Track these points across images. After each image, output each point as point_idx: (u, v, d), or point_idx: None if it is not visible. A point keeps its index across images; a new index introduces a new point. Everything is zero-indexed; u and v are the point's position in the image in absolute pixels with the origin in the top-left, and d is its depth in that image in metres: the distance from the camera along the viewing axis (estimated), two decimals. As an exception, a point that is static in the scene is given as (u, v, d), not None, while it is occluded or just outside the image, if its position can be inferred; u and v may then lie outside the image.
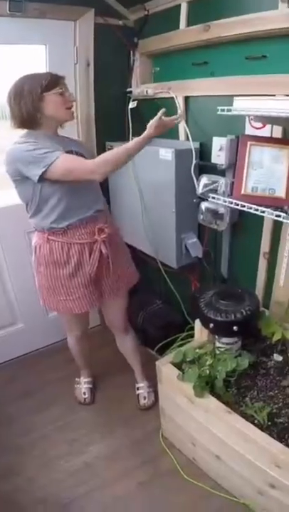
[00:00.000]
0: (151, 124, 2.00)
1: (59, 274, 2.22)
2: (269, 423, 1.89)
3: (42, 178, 1.95)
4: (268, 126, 2.14)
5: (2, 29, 2.45)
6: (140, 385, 2.82)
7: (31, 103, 1.95)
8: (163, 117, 2.02)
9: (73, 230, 2.16)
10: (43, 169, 1.91)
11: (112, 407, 2.79)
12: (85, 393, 2.86)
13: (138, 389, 2.83)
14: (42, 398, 2.86)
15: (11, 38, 2.51)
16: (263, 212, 1.93)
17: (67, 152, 2.05)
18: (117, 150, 1.99)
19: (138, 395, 2.81)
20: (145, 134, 2.00)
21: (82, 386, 2.89)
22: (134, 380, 2.84)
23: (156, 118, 2.00)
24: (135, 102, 2.79)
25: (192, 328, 2.58)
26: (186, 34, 2.48)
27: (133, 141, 2.00)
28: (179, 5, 2.51)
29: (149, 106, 2.88)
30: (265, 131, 2.15)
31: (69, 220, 2.13)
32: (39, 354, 3.34)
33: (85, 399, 2.84)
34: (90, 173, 1.97)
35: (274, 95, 1.93)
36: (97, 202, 2.25)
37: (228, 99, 1.97)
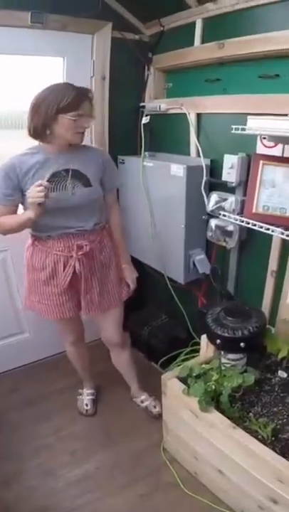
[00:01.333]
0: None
1: (36, 278, 2.30)
2: (273, 438, 1.90)
3: None
4: (280, 146, 2.16)
5: (22, 40, 2.48)
6: (142, 397, 2.83)
7: (43, 120, 1.96)
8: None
9: (53, 241, 2.20)
10: None
11: (114, 419, 2.78)
12: (87, 405, 2.86)
13: (142, 402, 2.83)
14: (45, 407, 2.86)
15: (31, 49, 2.55)
16: (274, 231, 1.95)
17: (64, 170, 2.08)
18: (11, 226, 2.11)
19: (146, 406, 2.81)
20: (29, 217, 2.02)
21: (85, 397, 2.89)
22: (133, 395, 2.87)
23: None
24: (148, 117, 2.82)
25: (196, 344, 2.60)
26: (200, 51, 2.52)
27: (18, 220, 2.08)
28: (194, 22, 2.54)
29: (162, 121, 2.93)
30: (277, 151, 2.17)
31: (49, 232, 2.19)
32: (44, 363, 3.34)
33: (86, 410, 2.85)
34: None
35: (286, 115, 1.95)
36: (86, 221, 2.23)
37: (240, 117, 2.00)
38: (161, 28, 2.80)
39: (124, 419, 2.77)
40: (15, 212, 2.15)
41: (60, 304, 2.33)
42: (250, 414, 2.05)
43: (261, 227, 2.01)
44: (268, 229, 1.97)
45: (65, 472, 2.40)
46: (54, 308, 2.33)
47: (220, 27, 2.41)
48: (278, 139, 2.08)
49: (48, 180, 1.96)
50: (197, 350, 2.52)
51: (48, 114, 1.94)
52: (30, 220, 2.01)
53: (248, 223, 2.06)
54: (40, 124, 1.97)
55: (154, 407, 2.78)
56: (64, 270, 2.23)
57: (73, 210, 2.16)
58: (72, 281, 2.25)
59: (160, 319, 3.37)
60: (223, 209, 2.32)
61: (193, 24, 2.55)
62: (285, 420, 2.01)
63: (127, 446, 2.57)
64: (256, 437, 1.88)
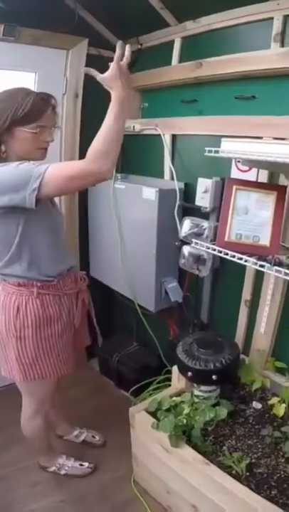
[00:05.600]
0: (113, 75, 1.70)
1: (51, 333, 1.91)
2: (248, 474, 1.84)
3: (37, 199, 1.58)
4: (254, 170, 2.14)
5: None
6: (75, 432, 2.68)
7: None
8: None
9: (64, 279, 1.93)
10: (37, 183, 1.55)
11: (79, 451, 2.63)
12: (81, 464, 2.52)
13: (77, 436, 2.67)
14: (4, 437, 2.67)
15: (1, 63, 2.47)
16: (247, 261, 1.89)
17: None
18: (102, 135, 1.67)
19: (83, 440, 2.66)
20: (115, 96, 1.70)
21: (73, 463, 2.51)
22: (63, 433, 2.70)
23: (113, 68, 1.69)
24: (121, 138, 2.77)
25: (170, 372, 2.52)
26: (177, 70, 2.49)
27: (112, 115, 1.69)
28: (173, 41, 2.53)
29: (135, 142, 2.89)
30: (252, 175, 2.15)
31: (60, 268, 1.90)
32: (7, 390, 2.99)
33: (90, 467, 2.52)
34: (97, 174, 1.62)
35: (261, 137, 1.94)
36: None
37: (216, 140, 1.94)
38: (139, 46, 2.77)
39: (91, 450, 2.63)
40: None
41: (71, 354, 2.05)
42: (224, 448, 1.98)
43: (234, 256, 1.93)
44: (241, 258, 1.90)
45: (23, 506, 2.25)
46: (71, 359, 2.03)
47: (198, 46, 2.39)
48: (252, 163, 2.03)
49: None
50: (170, 379, 2.45)
51: (1, 127, 1.62)
52: (124, 101, 1.67)
53: (221, 252, 2.00)
54: None
55: (93, 437, 2.67)
56: (76, 308, 2.03)
57: (61, 231, 1.96)
58: None
59: (131, 347, 3.27)
60: (197, 235, 2.26)
61: (172, 43, 2.54)
62: (259, 454, 1.94)
63: (94, 479, 2.44)
64: (230, 473, 1.81)
